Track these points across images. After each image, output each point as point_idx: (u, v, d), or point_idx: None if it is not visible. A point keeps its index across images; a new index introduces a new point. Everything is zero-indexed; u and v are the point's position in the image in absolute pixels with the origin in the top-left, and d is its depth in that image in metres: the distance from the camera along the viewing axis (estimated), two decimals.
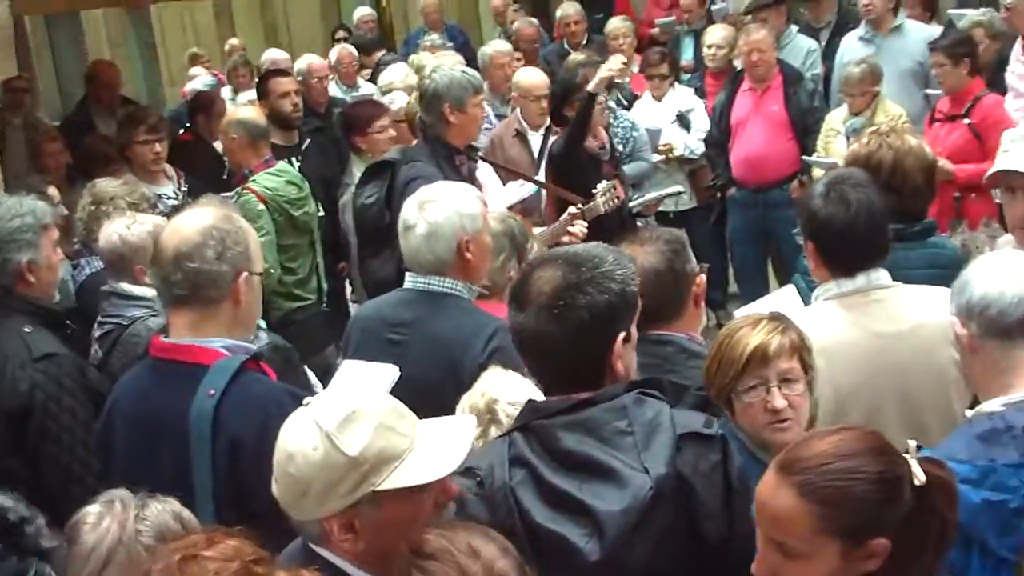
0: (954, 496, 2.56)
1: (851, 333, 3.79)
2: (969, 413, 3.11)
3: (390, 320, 4.49)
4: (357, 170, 7.64)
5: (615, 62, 7.47)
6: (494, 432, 3.35)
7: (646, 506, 2.79)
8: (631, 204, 7.95)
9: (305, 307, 7.10)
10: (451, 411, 3.46)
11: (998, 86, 8.06)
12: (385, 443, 2.63)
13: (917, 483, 2.48)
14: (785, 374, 3.38)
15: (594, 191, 6.80)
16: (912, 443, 2.56)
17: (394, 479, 2.63)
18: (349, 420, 2.64)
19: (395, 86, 8.79)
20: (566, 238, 6.45)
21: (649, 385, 2.98)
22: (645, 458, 2.82)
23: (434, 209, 4.42)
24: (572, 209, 6.65)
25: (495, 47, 10.13)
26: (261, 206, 6.84)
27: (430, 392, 3.40)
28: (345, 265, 8.14)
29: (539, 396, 3.41)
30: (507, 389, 3.48)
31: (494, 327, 4.27)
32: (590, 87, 7.19)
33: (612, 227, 6.91)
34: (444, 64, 6.85)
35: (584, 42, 11.34)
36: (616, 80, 8.33)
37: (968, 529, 2.83)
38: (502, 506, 2.87)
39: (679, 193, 8.90)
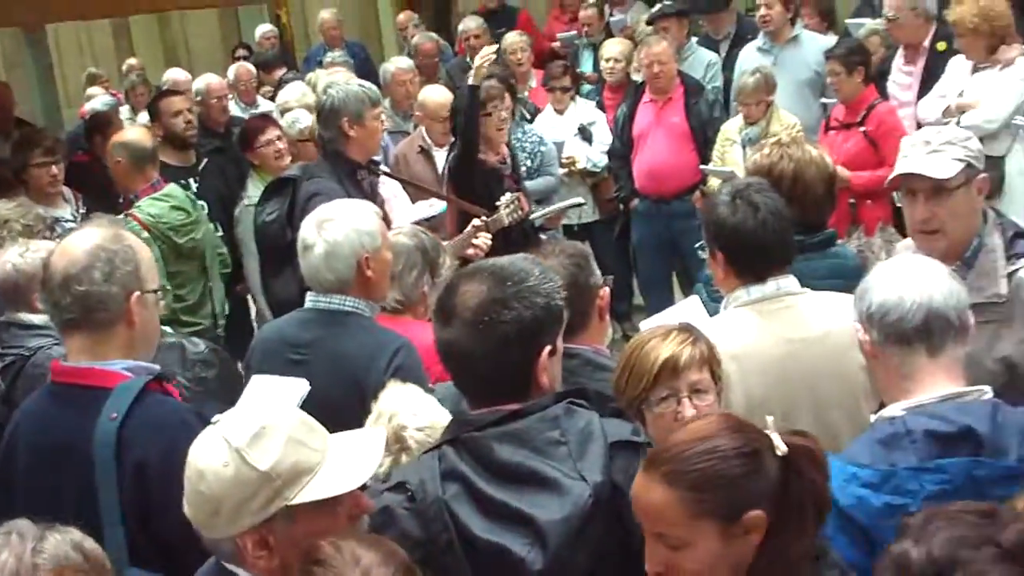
0: (820, 461, 2.61)
1: (762, 339, 3.80)
2: (873, 418, 3.14)
3: (291, 341, 4.45)
4: (253, 186, 7.62)
5: (487, 51, 7.48)
6: (405, 460, 3.33)
7: (587, 513, 2.79)
8: (534, 217, 7.96)
9: (198, 333, 6.88)
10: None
11: (886, 94, 8.22)
12: (297, 457, 2.63)
13: (779, 453, 2.54)
14: (696, 385, 3.39)
15: (497, 203, 6.80)
16: (770, 418, 2.63)
17: (307, 493, 2.62)
18: (259, 436, 2.63)
19: (291, 104, 8.73)
20: (470, 251, 6.45)
21: (575, 395, 2.98)
22: (581, 467, 2.82)
23: (332, 228, 4.40)
24: (476, 221, 6.64)
25: (397, 64, 10.14)
26: (145, 234, 6.62)
27: (333, 412, 3.34)
28: (243, 286, 8.07)
29: (443, 414, 3.43)
30: (412, 412, 3.47)
31: (396, 345, 4.27)
32: (470, 80, 7.23)
33: (516, 240, 6.93)
34: (339, 79, 6.82)
35: None
36: (518, 96, 8.37)
37: (871, 532, 2.86)
38: (436, 520, 2.85)
39: (581, 204, 8.93)
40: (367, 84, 6.66)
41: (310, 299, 4.48)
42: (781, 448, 2.55)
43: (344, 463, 2.70)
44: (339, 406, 3.80)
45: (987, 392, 3.10)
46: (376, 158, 6.72)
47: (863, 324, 3.15)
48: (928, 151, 3.98)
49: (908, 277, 3.12)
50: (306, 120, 8.07)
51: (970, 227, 4.00)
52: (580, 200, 8.85)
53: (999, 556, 2.04)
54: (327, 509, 2.65)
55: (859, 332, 3.18)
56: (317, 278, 4.42)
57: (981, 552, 2.04)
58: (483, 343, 2.90)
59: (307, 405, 3.80)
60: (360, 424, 3.50)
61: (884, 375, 3.17)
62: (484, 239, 6.55)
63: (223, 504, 2.61)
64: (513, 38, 10.77)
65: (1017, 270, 3.92)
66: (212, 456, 2.63)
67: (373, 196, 6.20)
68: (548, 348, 2.96)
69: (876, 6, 9.69)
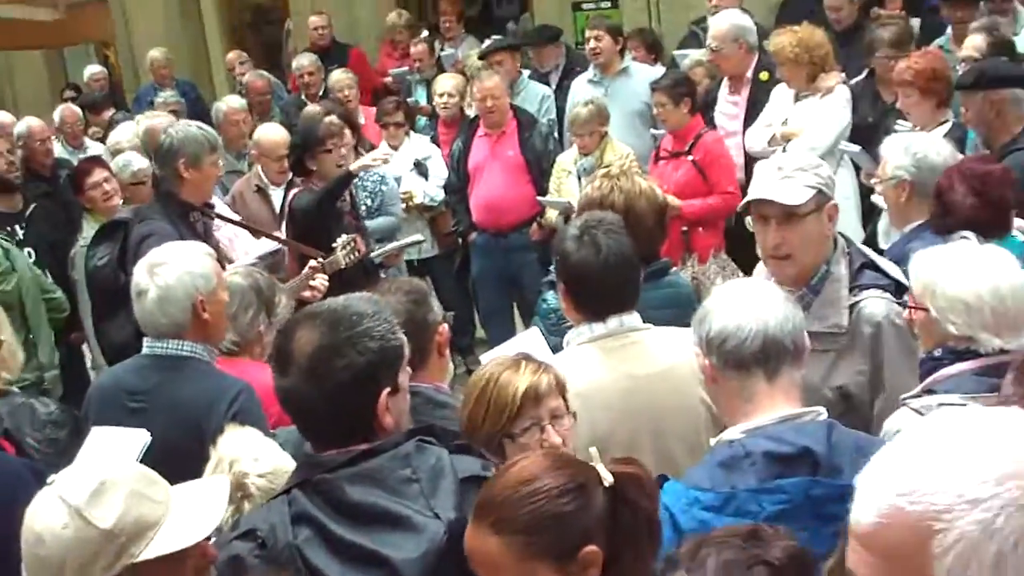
0: (647, 487, 2.63)
1: (605, 376, 3.82)
2: (712, 441, 3.18)
3: (129, 388, 4.37)
4: (88, 228, 7.46)
5: (380, 151, 7.53)
6: (248, 507, 3.29)
7: (442, 551, 2.76)
8: (373, 255, 7.94)
9: (22, 389, 6.69)
10: (195, 478, 3.33)
11: (712, 124, 8.39)
12: (139, 512, 2.56)
13: (606, 484, 2.55)
14: (555, 411, 3.40)
15: (334, 244, 6.77)
16: (593, 450, 2.65)
17: (153, 548, 2.57)
18: (99, 492, 2.56)
19: (123, 146, 8.57)
20: (307, 293, 6.42)
21: (424, 432, 2.97)
22: (434, 504, 2.81)
23: (164, 272, 4.34)
24: (312, 263, 6.60)
25: (228, 103, 10.03)
26: None
27: (174, 461, 3.28)
28: (78, 335, 7.87)
29: (285, 458, 3.39)
30: (254, 458, 3.42)
31: (236, 390, 4.22)
32: (352, 167, 7.23)
33: (355, 279, 6.89)
34: (160, 123, 6.72)
35: (320, 93, 11.32)
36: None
37: None
38: (288, 566, 2.80)
39: (420, 242, 8.91)
40: (207, 128, 6.61)
41: (147, 345, 4.41)
42: (607, 479, 2.56)
43: (188, 515, 2.65)
44: (180, 454, 3.71)
45: (822, 413, 3.17)
46: (211, 201, 6.63)
47: (702, 349, 3.20)
48: (780, 177, 4.04)
49: (745, 303, 3.17)
50: (139, 163, 7.94)
51: (820, 253, 4.08)
52: (419, 237, 8.82)
53: (771, 574, 2.09)
54: (173, 563, 2.59)
55: (699, 356, 3.23)
56: (152, 323, 4.35)
57: (753, 572, 2.08)
58: (319, 390, 2.87)
59: (147, 454, 3.74)
60: (202, 472, 3.44)
61: (724, 399, 3.22)
62: (322, 281, 6.51)
63: (65, 567, 2.53)
64: (339, 75, 10.73)
65: (859, 302, 3.99)
66: (50, 518, 2.55)
67: (207, 238, 6.12)
68: (387, 389, 2.93)
69: (701, 38, 9.91)
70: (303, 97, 11.37)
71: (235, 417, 4.02)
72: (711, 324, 3.16)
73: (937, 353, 3.60)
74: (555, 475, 2.54)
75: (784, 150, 7.43)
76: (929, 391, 3.49)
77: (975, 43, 6.83)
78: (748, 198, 4.15)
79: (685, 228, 7.69)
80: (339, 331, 2.90)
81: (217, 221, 6.76)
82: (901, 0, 11.09)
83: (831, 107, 7.62)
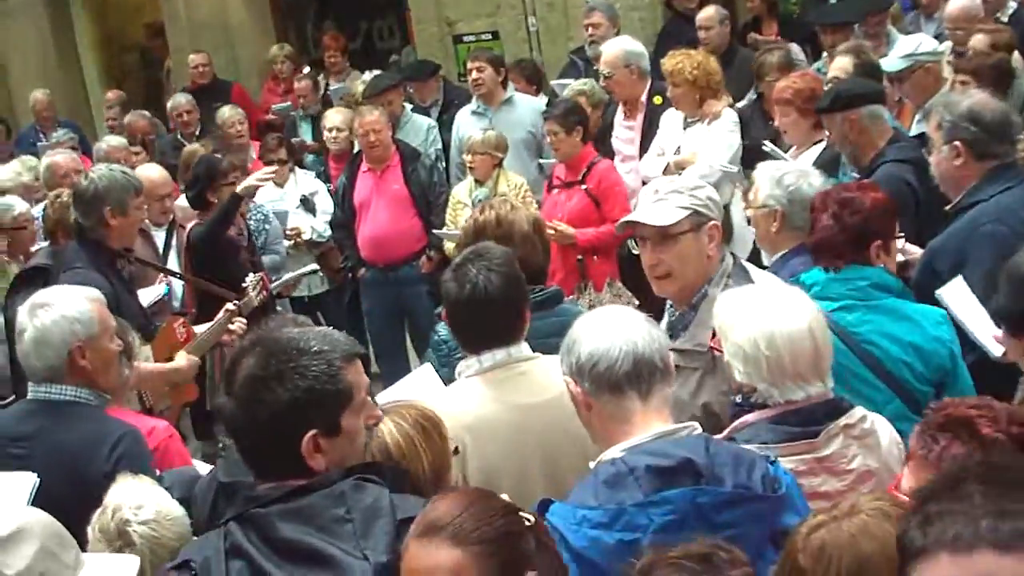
0: (549, 534, 2.70)
1: (494, 408, 3.82)
2: (592, 464, 3.18)
3: (11, 435, 4.26)
4: None
5: (263, 173, 7.46)
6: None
7: None
8: (271, 287, 7.88)
9: None
10: (79, 525, 3.32)
11: (603, 152, 8.42)
12: (45, 568, 2.47)
13: (527, 523, 2.59)
14: None
15: (244, 285, 6.70)
16: (504, 496, 2.67)
17: None
18: (13, 539, 2.48)
19: (6, 184, 8.40)
20: (226, 336, 6.43)
21: (369, 470, 2.92)
22: (365, 545, 2.76)
23: (43, 314, 4.27)
24: (229, 306, 6.55)
25: (110, 142, 9.94)
26: None
27: (56, 507, 3.21)
28: None
29: (172, 505, 3.39)
30: (136, 506, 3.39)
31: (119, 434, 4.15)
32: (239, 189, 7.16)
33: (254, 313, 6.84)
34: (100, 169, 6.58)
35: (197, 132, 11.21)
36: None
37: (608, 572, 2.89)
38: None
39: (316, 271, 8.87)
40: (129, 172, 6.52)
41: (31, 390, 4.32)
42: (528, 518, 2.59)
43: None
44: (62, 501, 3.61)
45: (696, 428, 3.23)
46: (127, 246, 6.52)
47: (573, 377, 3.22)
48: (654, 200, 4.14)
49: (611, 327, 3.21)
50: (20, 206, 7.78)
51: (701, 272, 4.15)
52: (314, 266, 8.80)
53: None
54: None
55: (571, 384, 3.23)
56: (28, 365, 4.29)
57: None
58: (244, 419, 2.86)
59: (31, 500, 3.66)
60: (83, 516, 3.41)
61: (599, 423, 3.23)
62: (240, 324, 6.48)
63: None
64: (228, 112, 10.66)
65: None
66: None
67: (133, 284, 6.02)
68: (314, 431, 2.86)
69: (581, 69, 9.98)
70: (180, 136, 11.25)
71: (119, 462, 3.98)
72: (580, 350, 3.19)
73: (738, 399, 3.65)
74: (495, 500, 2.59)
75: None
76: (731, 439, 3.51)
77: (841, 64, 6.95)
78: (622, 219, 4.27)
79: (580, 256, 7.69)
80: (271, 363, 2.86)
81: None
82: (776, 26, 11.33)
83: (720, 131, 7.73)
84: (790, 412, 3.48)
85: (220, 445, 7.52)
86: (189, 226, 7.44)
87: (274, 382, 2.83)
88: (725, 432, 3.58)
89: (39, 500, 3.64)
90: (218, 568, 2.78)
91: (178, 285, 7.53)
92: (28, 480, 3.90)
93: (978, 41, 7.60)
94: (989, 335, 4.21)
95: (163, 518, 3.35)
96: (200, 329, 6.45)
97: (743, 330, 3.52)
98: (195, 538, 3.08)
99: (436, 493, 3.16)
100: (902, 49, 7.27)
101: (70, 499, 3.64)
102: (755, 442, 3.42)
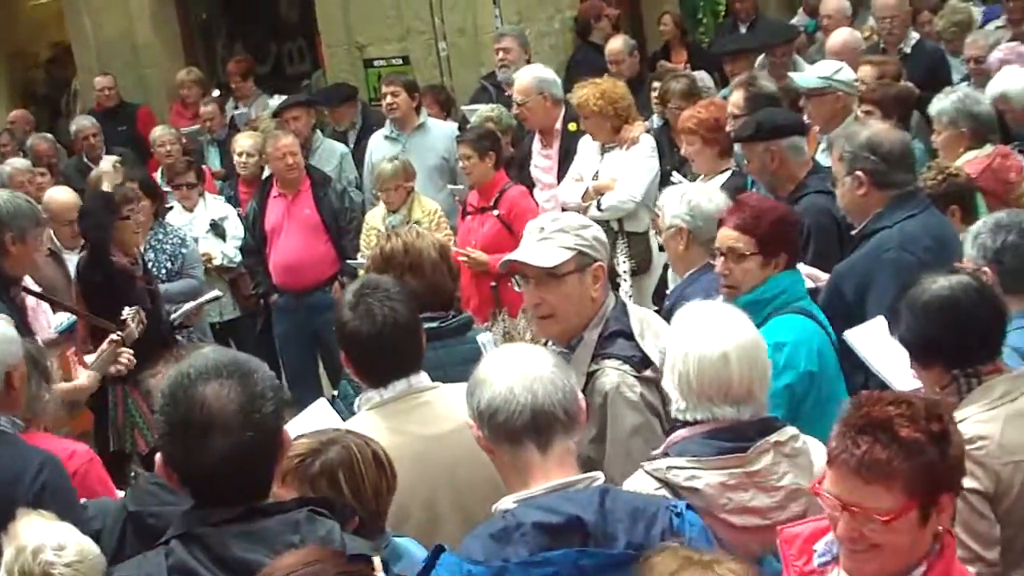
0: None
1: (397, 440, 3.75)
2: (493, 508, 3.18)
3: None
4: None
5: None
6: None
7: None
8: (173, 316, 7.80)
9: None
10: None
11: (524, 180, 8.46)
12: None
13: None
14: None
15: (123, 317, 6.62)
16: None
17: None
18: None
19: None
20: (114, 368, 6.38)
21: (320, 504, 2.92)
22: None
23: None
24: (113, 337, 6.46)
25: (14, 164, 9.79)
26: None
27: None
28: None
29: (90, 544, 3.40)
30: (59, 546, 3.36)
31: (39, 461, 4.11)
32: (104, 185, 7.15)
33: (154, 344, 6.75)
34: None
35: (103, 154, 11.06)
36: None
37: None
38: None
39: (219, 298, 8.78)
40: (34, 201, 6.47)
41: None
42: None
43: None
44: None
45: (599, 478, 3.19)
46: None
47: (475, 421, 3.20)
48: (538, 239, 4.09)
49: (514, 373, 3.14)
50: None
51: (583, 314, 4.12)
52: (218, 293, 8.70)
53: None
54: None
55: (473, 428, 3.22)
56: None
57: None
58: (245, 446, 2.79)
59: None
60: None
61: (501, 468, 3.22)
62: (128, 356, 6.43)
63: None
64: (161, 132, 10.66)
65: (596, 371, 4.04)
66: None
67: (25, 312, 5.95)
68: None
69: (492, 94, 10.03)
70: (85, 159, 11.11)
71: (43, 489, 3.96)
72: (481, 396, 3.15)
73: (675, 414, 3.66)
74: (338, 561, 2.62)
75: (599, 204, 7.59)
76: (665, 453, 3.56)
77: (734, 100, 7.01)
78: (504, 258, 4.25)
79: (494, 283, 7.70)
80: (250, 385, 2.83)
81: None
82: (686, 54, 11.49)
83: (638, 157, 7.81)
84: (722, 428, 3.51)
85: (133, 475, 7.43)
86: (76, 258, 7.36)
87: (260, 400, 2.83)
88: (661, 448, 3.61)
89: None
90: None
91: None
92: None
93: (865, 73, 7.75)
94: (901, 375, 4.21)
95: (85, 558, 3.33)
96: (89, 359, 6.39)
97: (674, 344, 3.60)
98: (130, 559, 3.02)
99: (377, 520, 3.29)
100: (821, 70, 7.37)
101: None
102: (687, 455, 3.46)
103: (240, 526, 2.80)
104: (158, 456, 2.91)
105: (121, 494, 4.57)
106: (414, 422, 3.85)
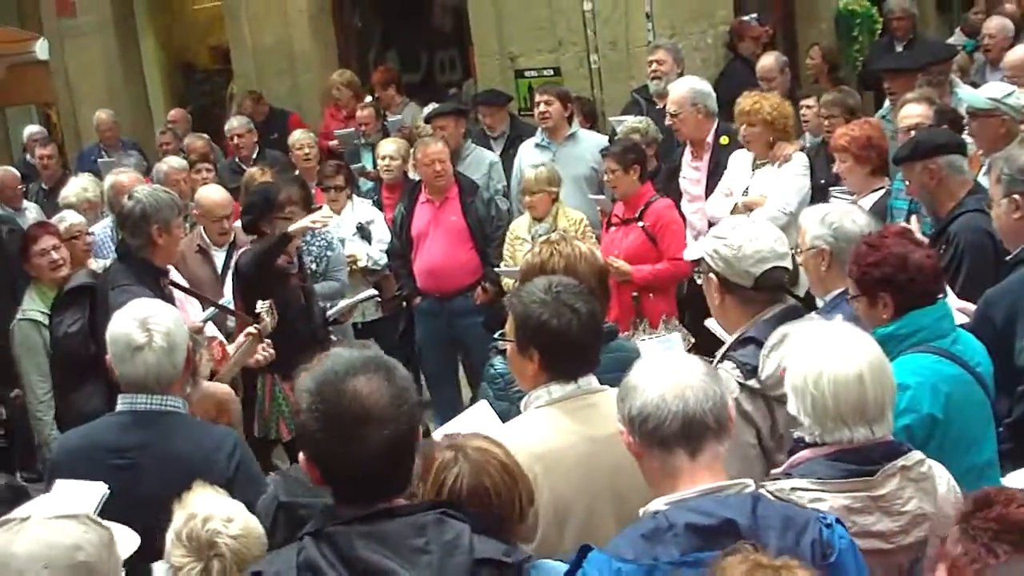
0: None
1: (566, 438, 3.80)
2: (640, 512, 3.18)
3: (111, 446, 4.27)
4: (31, 299, 7.33)
5: (319, 214, 7.56)
6: (216, 566, 3.32)
7: None
8: (329, 313, 7.95)
9: None
10: None
11: (672, 191, 8.45)
12: None
13: None
14: None
15: (258, 311, 6.77)
16: None
17: None
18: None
19: (70, 200, 8.52)
20: (253, 360, 6.55)
21: (449, 505, 2.95)
22: None
23: (158, 323, 4.31)
24: (250, 330, 6.61)
25: (170, 163, 9.99)
26: None
27: (167, 515, 3.33)
28: (19, 394, 7.73)
29: (255, 523, 3.44)
30: (227, 518, 3.45)
31: (232, 441, 4.26)
32: (291, 229, 7.26)
33: (305, 339, 6.88)
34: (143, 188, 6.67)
35: (254, 157, 11.32)
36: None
37: None
38: None
39: (375, 296, 8.91)
40: (172, 192, 6.62)
41: (124, 402, 4.33)
42: None
43: None
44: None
45: (749, 485, 3.19)
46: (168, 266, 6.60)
47: (626, 426, 3.22)
48: None
49: (665, 380, 3.18)
50: (74, 218, 7.91)
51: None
52: (374, 292, 8.84)
53: None
54: None
55: (623, 433, 3.24)
56: (157, 375, 4.28)
57: None
58: (390, 438, 2.84)
59: (142, 507, 3.70)
60: None
61: (649, 472, 3.23)
62: (268, 349, 6.59)
63: None
64: (299, 135, 10.79)
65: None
66: None
67: (173, 304, 6.08)
68: None
69: (643, 107, 10.01)
70: (237, 160, 11.35)
71: (239, 467, 4.12)
72: (632, 403, 3.18)
73: (796, 434, 3.64)
74: None
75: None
76: (787, 474, 3.53)
77: (920, 111, 6.92)
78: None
79: (636, 293, 7.73)
80: (395, 377, 2.89)
81: None
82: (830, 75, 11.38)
83: (789, 175, 7.75)
84: (847, 451, 3.47)
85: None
86: (238, 253, 7.51)
87: (405, 394, 2.89)
88: (783, 467, 3.60)
89: (151, 509, 3.62)
90: None
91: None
92: (99, 490, 3.95)
93: None
94: None
95: (250, 534, 3.41)
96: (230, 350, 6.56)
97: (799, 365, 3.54)
98: (270, 553, 3.09)
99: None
100: (992, 91, 7.10)
101: None
102: (811, 477, 3.44)
103: (368, 526, 2.83)
104: (301, 454, 2.93)
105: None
106: (582, 422, 3.85)
